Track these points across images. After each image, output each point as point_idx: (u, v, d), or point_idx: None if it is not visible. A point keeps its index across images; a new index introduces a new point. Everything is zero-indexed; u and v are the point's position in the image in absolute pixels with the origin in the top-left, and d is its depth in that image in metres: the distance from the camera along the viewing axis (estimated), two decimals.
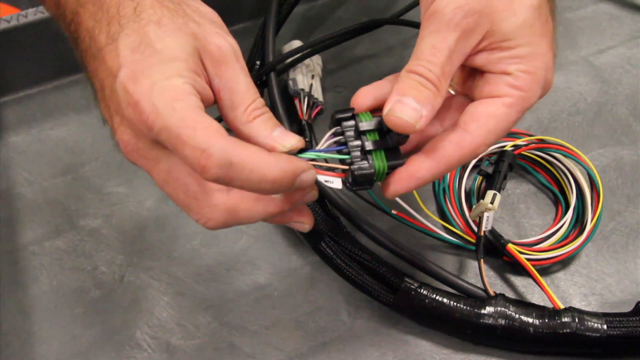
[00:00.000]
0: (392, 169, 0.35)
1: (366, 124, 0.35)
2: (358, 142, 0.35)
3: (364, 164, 0.34)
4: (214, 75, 0.33)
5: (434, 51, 0.34)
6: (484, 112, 0.35)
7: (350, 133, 0.35)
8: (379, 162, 0.34)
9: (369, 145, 0.34)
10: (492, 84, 0.35)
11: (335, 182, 0.35)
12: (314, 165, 0.34)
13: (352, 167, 0.34)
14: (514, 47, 0.35)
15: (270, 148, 0.33)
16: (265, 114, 0.34)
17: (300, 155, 0.34)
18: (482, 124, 0.35)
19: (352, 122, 0.35)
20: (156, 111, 0.30)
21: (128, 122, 0.33)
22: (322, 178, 0.35)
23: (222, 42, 0.34)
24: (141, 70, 0.31)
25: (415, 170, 0.35)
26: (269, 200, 0.34)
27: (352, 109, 0.35)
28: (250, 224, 0.36)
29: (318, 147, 0.35)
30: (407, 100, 0.33)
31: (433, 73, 0.34)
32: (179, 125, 0.30)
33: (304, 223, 0.39)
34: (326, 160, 0.35)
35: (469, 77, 0.38)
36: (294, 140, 0.34)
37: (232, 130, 0.34)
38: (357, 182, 0.34)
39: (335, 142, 0.35)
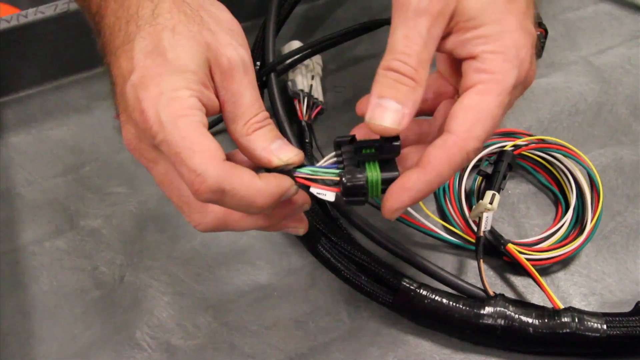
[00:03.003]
0: (387, 183, 0.34)
1: (362, 142, 0.35)
2: (354, 158, 0.35)
3: (356, 175, 0.34)
4: (221, 87, 0.34)
5: (407, 41, 0.33)
6: (460, 108, 0.34)
7: (349, 154, 0.35)
8: (371, 172, 0.34)
9: (362, 157, 0.34)
10: (465, 76, 0.34)
11: (328, 195, 0.35)
12: (311, 179, 0.35)
13: (343, 177, 0.34)
14: (478, 27, 0.33)
15: (267, 161, 0.34)
16: (266, 127, 0.35)
17: (298, 170, 0.35)
18: (460, 120, 0.33)
19: (351, 146, 0.35)
20: (159, 123, 0.31)
21: (133, 123, 0.33)
22: (315, 191, 0.35)
23: (233, 54, 0.34)
24: (151, 78, 0.32)
25: (405, 181, 0.34)
26: (259, 215, 0.36)
27: (354, 135, 0.36)
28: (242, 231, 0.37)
29: (317, 165, 0.36)
30: (386, 103, 0.33)
31: (409, 66, 0.33)
32: (180, 144, 0.31)
33: (298, 227, 0.39)
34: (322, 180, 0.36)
35: (456, 74, 0.37)
36: (291, 154, 0.34)
37: (233, 140, 0.35)
38: (349, 193, 0.34)
39: (335, 162, 0.36)
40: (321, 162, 0.36)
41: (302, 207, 0.37)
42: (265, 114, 0.35)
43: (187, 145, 0.31)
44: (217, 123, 0.51)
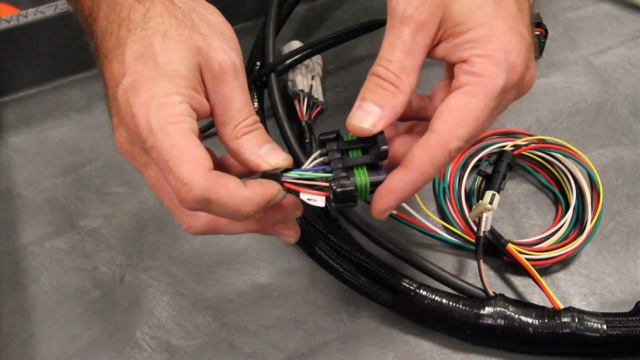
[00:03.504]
0: (375, 185, 0.35)
1: (348, 142, 0.35)
2: (341, 161, 0.35)
3: (345, 180, 0.34)
4: (211, 90, 0.34)
5: (391, 48, 0.34)
6: (445, 107, 0.34)
7: (335, 153, 0.35)
8: (360, 178, 0.34)
9: (350, 162, 0.35)
10: (455, 78, 0.35)
11: (318, 201, 0.35)
12: (299, 184, 0.35)
13: (332, 184, 0.34)
14: (466, 31, 0.34)
15: (255, 165, 0.34)
16: (255, 131, 0.35)
17: (284, 174, 0.35)
18: (444, 119, 0.34)
19: (336, 144, 0.35)
20: (150, 128, 0.31)
21: (125, 127, 0.34)
22: (305, 197, 0.35)
23: (223, 58, 0.34)
24: (142, 82, 0.32)
25: (390, 183, 0.34)
26: (249, 220, 0.36)
27: (337, 131, 0.36)
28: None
29: (303, 167, 0.36)
30: (365, 105, 0.34)
31: (390, 72, 0.34)
32: (168, 152, 0.31)
33: (289, 236, 0.40)
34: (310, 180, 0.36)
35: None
36: (279, 159, 0.35)
37: (222, 144, 0.35)
38: (339, 199, 0.34)
39: (320, 162, 0.36)
40: (307, 164, 0.36)
41: (294, 213, 0.38)
42: (255, 118, 0.35)
43: (175, 154, 0.31)
44: (210, 128, 0.51)
